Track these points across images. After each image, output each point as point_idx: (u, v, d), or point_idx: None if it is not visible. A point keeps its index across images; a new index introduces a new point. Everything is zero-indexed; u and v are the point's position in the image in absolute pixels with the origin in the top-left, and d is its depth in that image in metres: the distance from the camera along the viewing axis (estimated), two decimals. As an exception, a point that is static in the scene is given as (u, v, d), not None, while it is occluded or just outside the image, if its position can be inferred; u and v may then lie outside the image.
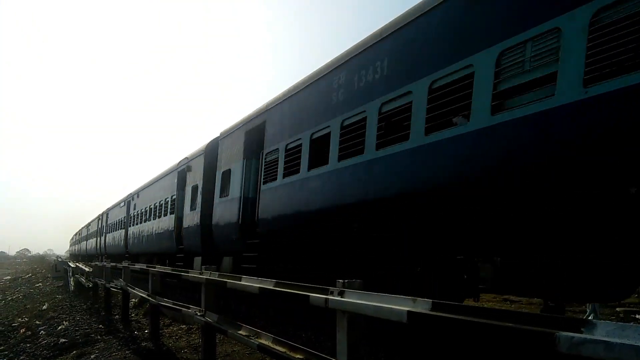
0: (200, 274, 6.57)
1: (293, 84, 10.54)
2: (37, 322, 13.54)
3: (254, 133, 11.98)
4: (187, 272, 7.36)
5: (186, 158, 16.73)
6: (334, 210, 8.26)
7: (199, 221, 14.34)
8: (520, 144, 5.18)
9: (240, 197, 11.80)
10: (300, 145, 9.50)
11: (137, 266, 11.60)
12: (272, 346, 4.67)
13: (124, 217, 27.89)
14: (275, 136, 10.68)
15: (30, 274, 44.34)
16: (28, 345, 10.83)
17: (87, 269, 18.52)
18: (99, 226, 39.66)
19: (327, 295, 3.79)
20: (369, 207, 7.44)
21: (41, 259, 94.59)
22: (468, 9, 6.12)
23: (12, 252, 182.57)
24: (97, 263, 18.54)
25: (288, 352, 4.36)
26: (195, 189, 15.10)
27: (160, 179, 20.17)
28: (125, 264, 12.12)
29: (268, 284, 4.88)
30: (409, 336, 7.50)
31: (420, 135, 6.51)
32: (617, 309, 12.86)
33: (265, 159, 10.96)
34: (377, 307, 3.22)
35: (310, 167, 9.05)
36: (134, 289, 10.77)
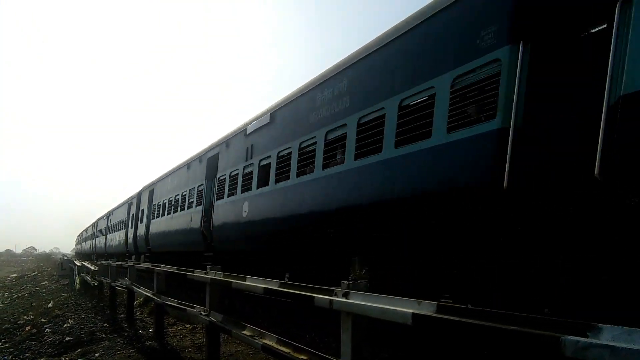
0: (205, 273, 6.58)
1: (233, 129, 13.45)
2: (43, 320, 13.61)
3: (212, 160, 14.75)
4: (192, 272, 7.38)
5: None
6: (254, 222, 11.02)
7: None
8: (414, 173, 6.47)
9: (202, 208, 14.87)
10: (237, 174, 12.39)
11: (142, 265, 11.63)
12: (276, 347, 4.67)
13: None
14: (223, 165, 13.73)
15: (36, 272, 44.56)
16: (33, 343, 10.88)
17: (92, 268, 18.60)
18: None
19: (331, 296, 3.79)
20: (277, 221, 9.89)
21: (47, 257, 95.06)
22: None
23: (18, 250, 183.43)
24: (102, 261, 18.61)
25: (292, 353, 4.36)
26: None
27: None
28: (131, 263, 12.16)
29: (273, 285, 4.88)
30: (412, 338, 7.49)
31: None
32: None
33: (217, 180, 13.99)
34: (382, 309, 3.22)
35: (242, 191, 11.94)
36: (139, 288, 10.80)
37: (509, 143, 4.97)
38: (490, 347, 6.34)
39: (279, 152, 10.08)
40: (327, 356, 3.97)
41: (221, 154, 13.91)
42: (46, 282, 30.26)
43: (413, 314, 2.94)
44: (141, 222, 24.21)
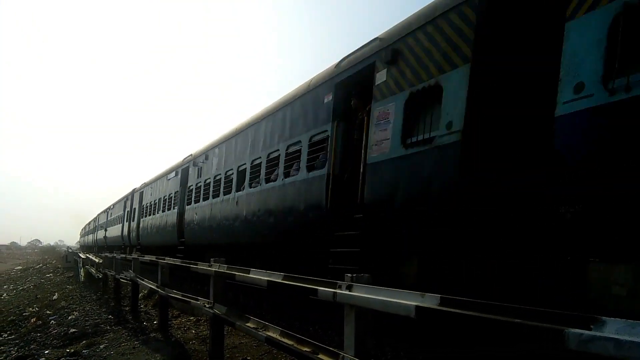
0: (210, 266, 6.61)
1: (200, 149, 16.98)
2: (48, 312, 13.69)
3: (184, 172, 18.10)
4: (197, 265, 7.41)
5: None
6: (211, 225, 14.16)
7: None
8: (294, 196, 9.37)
9: (177, 211, 18.46)
10: (200, 186, 15.78)
11: (147, 258, 11.67)
12: (279, 339, 4.70)
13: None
14: (191, 178, 17.35)
15: (41, 265, 44.85)
16: (39, 334, 10.95)
17: (97, 260, 18.69)
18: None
19: (335, 289, 3.80)
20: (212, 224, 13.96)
21: (52, 250, 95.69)
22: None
23: (23, 243, 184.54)
24: (106, 254, 18.70)
25: (295, 345, 4.38)
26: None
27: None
28: (135, 255, 12.22)
29: (276, 277, 4.90)
30: (416, 331, 7.51)
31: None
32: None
33: (188, 189, 17.53)
34: (385, 302, 3.22)
35: (203, 200, 15.22)
36: (143, 280, 10.85)
37: (330, 183, 8.23)
38: (494, 339, 6.35)
39: (214, 176, 14.33)
40: (331, 348, 3.98)
41: (190, 169, 17.50)
42: (51, 274, 30.44)
43: (416, 306, 2.95)
44: (133, 220, 27.71)
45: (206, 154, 15.77)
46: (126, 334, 9.10)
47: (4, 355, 9.49)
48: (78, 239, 79.97)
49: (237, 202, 12.12)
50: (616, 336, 1.90)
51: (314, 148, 8.84)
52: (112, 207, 37.59)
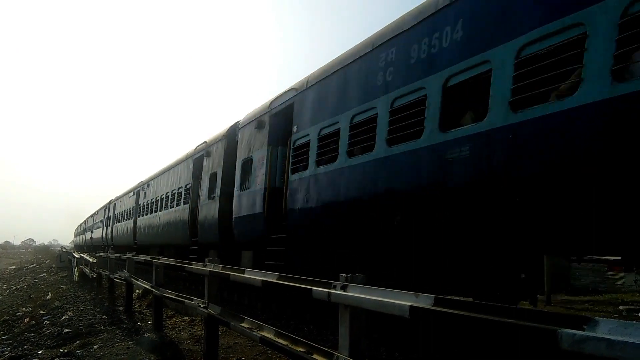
0: (204, 266, 6.60)
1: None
2: (41, 312, 13.63)
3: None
4: (191, 265, 7.39)
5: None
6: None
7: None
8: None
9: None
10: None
11: (141, 257, 11.64)
12: (274, 339, 4.69)
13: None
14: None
15: (34, 264, 44.62)
16: (32, 334, 10.89)
17: (91, 260, 18.63)
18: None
19: (329, 289, 3.80)
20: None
21: (46, 249, 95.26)
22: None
23: (17, 242, 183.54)
24: (101, 254, 18.62)
25: (290, 345, 4.38)
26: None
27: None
28: (129, 255, 12.18)
29: (271, 277, 4.90)
30: (410, 331, 7.53)
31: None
32: (620, 307, 12.84)
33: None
34: (380, 302, 3.23)
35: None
36: (137, 280, 10.82)
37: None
38: (488, 340, 6.38)
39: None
40: (325, 348, 3.98)
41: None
42: (45, 274, 30.30)
43: (410, 306, 2.95)
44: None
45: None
46: (120, 334, 9.07)
47: (-3, 355, 9.45)
48: (72, 239, 79.64)
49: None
50: (609, 336, 1.91)
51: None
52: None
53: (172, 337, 8.19)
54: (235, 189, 12.19)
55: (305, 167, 8.84)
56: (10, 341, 10.64)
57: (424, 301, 2.91)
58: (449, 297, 2.84)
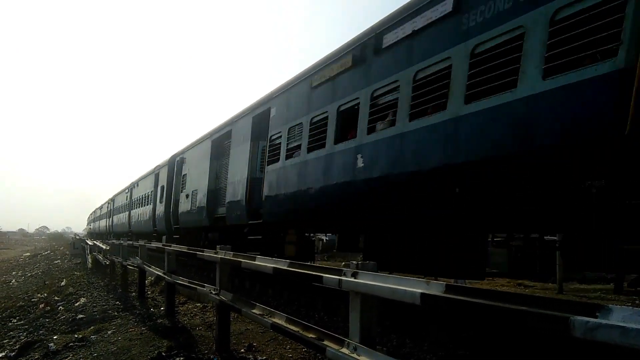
0: (215, 253, 6.64)
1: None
2: (56, 298, 13.84)
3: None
4: (203, 251, 7.45)
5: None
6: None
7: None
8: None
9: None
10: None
11: (153, 245, 11.74)
12: (285, 325, 4.72)
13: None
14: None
15: (48, 251, 45.24)
16: (47, 320, 11.08)
17: (104, 247, 18.82)
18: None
19: (340, 276, 3.81)
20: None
21: (60, 236, 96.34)
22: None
23: (31, 230, 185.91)
24: (113, 241, 18.81)
25: (301, 331, 4.41)
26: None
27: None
28: (142, 242, 12.28)
29: (282, 264, 4.92)
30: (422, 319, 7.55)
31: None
32: (634, 297, 12.76)
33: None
34: (391, 289, 3.23)
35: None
36: (150, 267, 10.93)
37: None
38: (500, 327, 6.37)
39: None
40: (336, 335, 4.00)
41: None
42: (59, 260, 30.71)
43: (422, 293, 2.95)
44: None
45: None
46: (133, 319, 9.19)
47: (14, 340, 9.61)
48: (85, 226, 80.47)
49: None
50: (622, 324, 1.90)
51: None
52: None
53: (184, 323, 8.27)
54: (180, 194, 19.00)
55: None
56: (26, 326, 10.84)
57: (436, 288, 2.90)
58: (459, 284, 2.83)
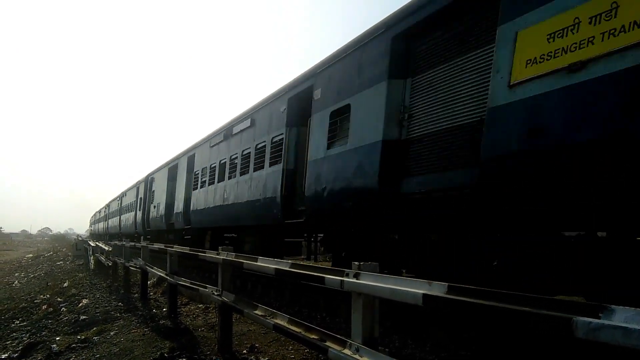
0: (217, 254, 6.64)
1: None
2: (59, 299, 13.87)
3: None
4: (204, 253, 7.45)
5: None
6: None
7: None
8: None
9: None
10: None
11: (155, 246, 11.76)
12: (287, 326, 4.73)
13: None
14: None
15: (51, 252, 45.35)
16: (50, 321, 11.11)
17: (106, 248, 18.85)
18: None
19: (342, 277, 3.81)
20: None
21: (62, 238, 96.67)
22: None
23: (33, 231, 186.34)
24: (116, 242, 18.86)
25: (303, 333, 4.41)
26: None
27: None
28: (144, 243, 12.30)
29: (284, 266, 4.92)
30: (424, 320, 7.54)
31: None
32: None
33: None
34: (393, 290, 3.23)
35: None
36: (152, 268, 10.94)
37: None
38: (502, 328, 6.36)
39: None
40: (339, 336, 4.00)
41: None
42: (61, 262, 30.78)
43: (424, 294, 2.95)
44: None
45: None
46: (136, 321, 9.20)
47: (17, 341, 9.64)
48: (88, 227, 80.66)
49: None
50: (625, 324, 1.89)
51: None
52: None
53: (186, 324, 8.28)
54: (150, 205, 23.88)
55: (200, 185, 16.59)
56: (29, 328, 10.86)
57: (438, 289, 2.90)
58: (462, 285, 2.83)
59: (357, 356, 3.53)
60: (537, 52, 4.85)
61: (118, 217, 37.11)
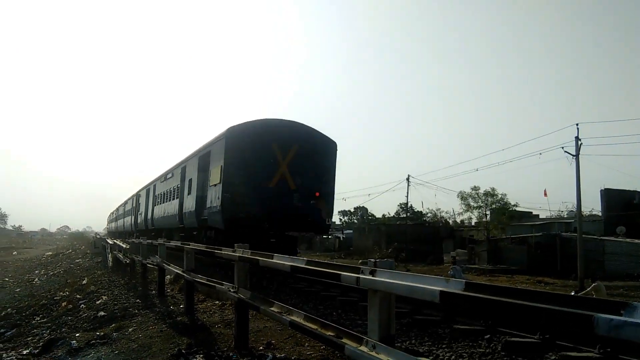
0: (233, 251, 6.67)
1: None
2: (78, 296, 14.07)
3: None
4: (221, 250, 7.49)
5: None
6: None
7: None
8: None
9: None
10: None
11: (172, 243, 11.85)
12: (303, 323, 4.73)
13: None
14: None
15: (70, 250, 45.99)
16: (69, 318, 11.28)
17: (124, 246, 19.07)
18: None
19: (358, 274, 3.79)
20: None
21: (80, 236, 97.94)
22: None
23: (53, 229, 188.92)
24: (133, 240, 19.07)
25: (319, 329, 4.41)
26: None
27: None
28: (161, 241, 12.41)
29: (300, 263, 4.92)
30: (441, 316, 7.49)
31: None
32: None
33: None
34: (410, 287, 3.21)
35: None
36: (169, 265, 11.04)
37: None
38: (521, 325, 6.30)
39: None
40: (355, 332, 4.00)
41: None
42: (80, 259, 31.21)
43: (441, 291, 2.93)
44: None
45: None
46: (154, 317, 9.29)
47: (37, 337, 9.80)
48: (106, 225, 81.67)
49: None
50: (648, 322, 1.86)
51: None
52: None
53: (203, 321, 8.34)
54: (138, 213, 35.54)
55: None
56: (49, 324, 11.04)
57: (455, 286, 2.88)
58: (477, 282, 2.80)
59: (373, 353, 3.51)
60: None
61: (123, 218, 46.74)
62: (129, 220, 40.80)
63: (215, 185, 15.53)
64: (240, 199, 14.40)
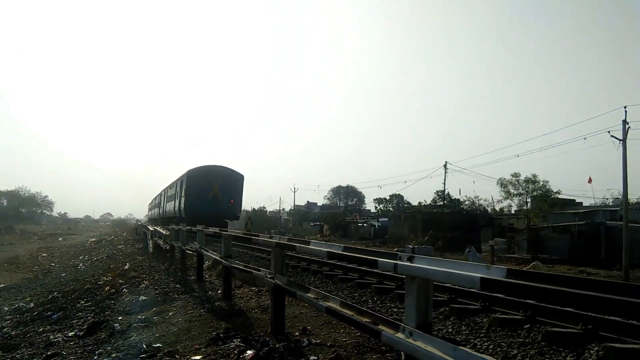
0: (270, 237, 6.71)
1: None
2: (120, 281, 14.49)
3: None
4: (258, 237, 7.55)
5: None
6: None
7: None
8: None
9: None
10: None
11: (211, 230, 12.04)
12: (339, 309, 4.72)
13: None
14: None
15: (112, 237, 47.51)
16: (112, 301, 11.63)
17: (164, 232, 19.52)
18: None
19: (396, 260, 3.74)
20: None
21: (122, 223, 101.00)
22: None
23: (96, 216, 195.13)
24: (173, 227, 19.49)
25: (355, 315, 4.39)
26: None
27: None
28: (200, 227, 12.62)
29: (336, 249, 4.90)
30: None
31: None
32: None
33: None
34: (448, 273, 3.14)
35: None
36: (207, 251, 11.23)
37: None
38: (561, 313, 6.11)
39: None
40: (391, 319, 3.96)
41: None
42: (122, 245, 32.20)
43: (481, 278, 2.85)
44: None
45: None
46: (192, 302, 9.48)
47: (82, 320, 10.15)
48: (146, 212, 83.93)
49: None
50: None
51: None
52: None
53: (240, 306, 8.46)
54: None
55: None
56: (93, 307, 11.42)
57: (496, 273, 2.80)
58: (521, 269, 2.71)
59: (410, 340, 3.47)
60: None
61: (154, 209, 60.49)
62: (156, 211, 56.05)
63: (183, 196, 33.76)
64: (193, 203, 32.45)
